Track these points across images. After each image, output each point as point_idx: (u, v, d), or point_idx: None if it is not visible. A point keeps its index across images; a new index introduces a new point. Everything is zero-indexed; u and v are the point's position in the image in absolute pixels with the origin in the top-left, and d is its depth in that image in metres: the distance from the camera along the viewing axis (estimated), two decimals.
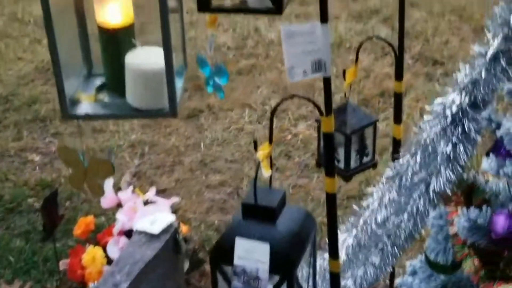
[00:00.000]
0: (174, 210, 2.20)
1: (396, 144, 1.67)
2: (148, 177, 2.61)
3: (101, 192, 1.42)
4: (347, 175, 1.61)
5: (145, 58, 1.22)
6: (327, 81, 1.21)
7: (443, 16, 3.66)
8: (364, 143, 1.65)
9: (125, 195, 2.05)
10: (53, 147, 2.81)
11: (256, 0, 1.51)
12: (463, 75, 1.14)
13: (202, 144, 2.78)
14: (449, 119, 1.15)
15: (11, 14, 4.30)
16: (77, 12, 1.31)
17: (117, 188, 2.09)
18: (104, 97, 1.29)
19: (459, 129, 1.14)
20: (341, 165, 1.63)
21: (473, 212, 1.12)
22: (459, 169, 1.17)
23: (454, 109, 1.14)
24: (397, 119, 1.63)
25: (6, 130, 2.94)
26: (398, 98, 1.61)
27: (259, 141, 2.82)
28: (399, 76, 1.59)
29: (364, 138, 1.65)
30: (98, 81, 1.34)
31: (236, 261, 1.05)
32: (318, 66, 1.17)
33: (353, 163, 1.64)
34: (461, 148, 1.15)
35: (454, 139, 1.15)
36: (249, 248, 1.04)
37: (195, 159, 2.70)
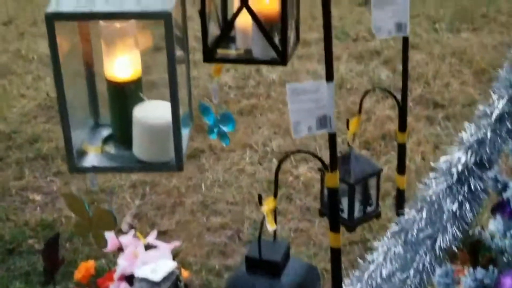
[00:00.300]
0: (175, 253, 2.19)
1: (400, 195, 1.68)
2: (149, 218, 2.60)
3: (104, 243, 1.42)
4: (351, 225, 1.62)
5: (153, 112, 1.23)
6: (332, 137, 1.22)
7: (443, 58, 3.70)
8: (368, 192, 1.66)
9: (126, 239, 2.05)
10: (55, 186, 2.81)
11: (260, 50, 1.54)
12: (468, 134, 1.14)
13: (203, 185, 2.78)
14: (455, 177, 1.15)
15: (15, 51, 4.34)
16: (86, 64, 1.32)
17: (118, 230, 2.08)
18: (111, 149, 1.29)
19: (465, 188, 1.14)
20: (345, 215, 1.63)
21: (480, 272, 1.12)
22: (466, 226, 1.17)
23: (460, 167, 1.14)
24: (401, 169, 1.64)
25: (8, 169, 2.94)
26: (402, 149, 1.62)
27: (260, 183, 2.82)
28: (402, 127, 1.60)
29: (368, 187, 1.66)
30: (105, 132, 1.35)
31: None
32: (323, 122, 1.19)
33: (356, 213, 1.64)
34: (468, 206, 1.15)
35: (460, 198, 1.15)
36: None
37: (196, 201, 2.70)
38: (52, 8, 1.08)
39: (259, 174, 2.84)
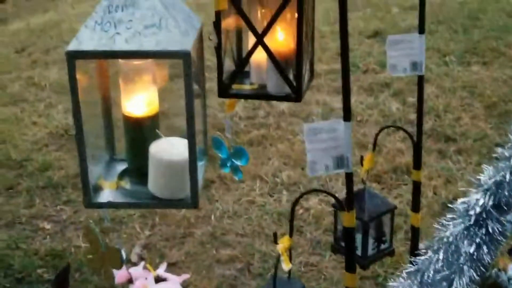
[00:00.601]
0: (185, 286, 2.18)
1: (415, 233, 1.66)
2: (158, 249, 2.59)
3: (111, 279, 1.41)
4: (364, 263, 1.60)
5: (169, 149, 1.23)
6: (349, 176, 1.21)
7: (454, 92, 3.70)
8: (382, 230, 1.65)
9: (136, 271, 2.04)
10: (65, 215, 2.81)
11: (275, 86, 1.55)
12: (487, 176, 1.14)
13: (213, 216, 2.77)
14: (473, 219, 1.14)
15: (28, 79, 4.39)
16: (103, 99, 1.33)
17: (127, 260, 2.08)
18: (126, 184, 1.29)
19: (483, 230, 1.14)
20: (358, 252, 1.62)
21: None
22: (483, 269, 1.15)
23: (478, 209, 1.14)
24: (415, 207, 1.63)
25: (18, 197, 2.94)
26: (416, 187, 1.62)
27: (270, 215, 2.81)
28: (417, 164, 1.59)
29: (382, 225, 1.65)
30: (120, 167, 1.35)
31: None
32: (340, 162, 1.18)
33: (370, 251, 1.63)
34: (485, 249, 1.14)
35: (478, 240, 1.14)
36: None
37: (205, 232, 2.69)
38: (73, 46, 1.09)
39: (269, 206, 2.83)
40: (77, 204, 2.87)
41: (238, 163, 1.56)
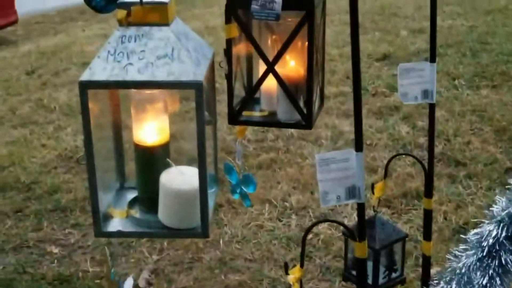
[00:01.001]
0: None
1: (426, 261, 1.65)
2: (166, 275, 2.57)
3: None
4: None
5: (180, 178, 1.23)
6: (361, 207, 1.20)
7: (463, 116, 3.69)
8: (393, 258, 1.63)
9: None
10: (72, 239, 2.80)
11: (285, 113, 1.55)
12: (500, 207, 1.12)
13: (221, 241, 2.76)
14: (485, 250, 1.13)
15: (37, 101, 4.41)
16: (114, 127, 1.33)
17: (135, 286, 2.06)
18: (136, 212, 1.29)
19: (496, 262, 1.12)
20: (369, 280, 1.60)
21: None
22: None
23: (491, 241, 1.12)
24: (427, 235, 1.62)
25: (26, 220, 2.94)
26: (428, 215, 1.60)
27: (279, 239, 2.79)
28: (428, 193, 1.58)
29: (393, 253, 1.63)
30: (130, 195, 1.35)
31: None
32: (352, 192, 1.17)
33: (381, 279, 1.61)
34: (498, 281, 1.12)
35: (491, 271, 1.12)
36: None
37: (214, 257, 2.67)
38: (86, 76, 1.10)
39: (278, 230, 2.81)
40: (85, 228, 2.87)
41: (246, 190, 1.56)
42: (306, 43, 1.41)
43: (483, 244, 1.15)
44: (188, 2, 8.63)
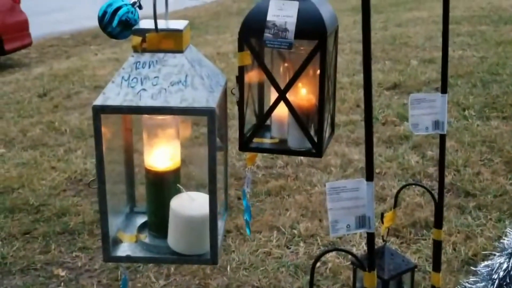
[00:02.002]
0: None
1: None
2: None
3: None
4: None
5: (190, 204, 1.23)
6: (370, 237, 1.20)
7: (473, 146, 3.68)
8: None
9: None
10: (79, 262, 2.80)
11: (296, 141, 1.55)
12: (510, 239, 1.12)
13: (228, 268, 2.74)
14: (496, 283, 1.12)
15: (48, 123, 4.44)
16: (125, 151, 1.34)
17: None
18: (145, 237, 1.29)
19: None
20: None
21: None
22: None
23: (501, 273, 1.11)
24: (437, 267, 1.60)
25: (34, 242, 2.94)
26: (437, 246, 1.59)
27: (287, 267, 2.76)
28: (438, 223, 1.57)
29: (402, 284, 1.61)
30: (140, 219, 1.35)
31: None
32: (362, 222, 1.17)
33: None
34: None
35: None
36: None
37: (221, 283, 2.65)
38: (100, 101, 1.11)
39: (286, 258, 2.79)
40: (93, 251, 2.86)
41: (246, 216, 1.56)
42: (318, 71, 1.42)
43: (493, 276, 1.14)
44: (201, 29, 8.73)
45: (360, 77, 5.20)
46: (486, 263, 1.17)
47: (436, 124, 1.46)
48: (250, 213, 1.50)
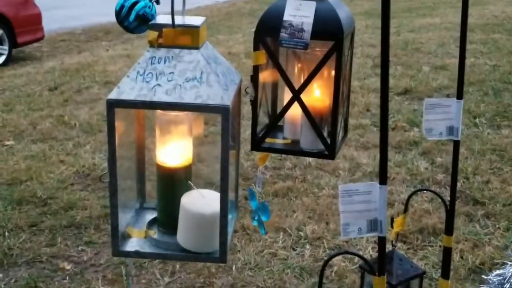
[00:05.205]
0: None
1: None
2: None
3: None
4: None
5: (201, 202, 1.22)
6: (381, 241, 1.19)
7: (483, 154, 3.66)
8: None
9: None
10: (85, 256, 2.80)
11: (308, 142, 1.54)
12: None
13: (234, 267, 2.73)
14: None
15: (58, 117, 4.45)
16: (137, 147, 1.34)
17: None
18: (154, 233, 1.28)
19: None
20: None
21: None
22: None
23: None
24: (445, 274, 1.59)
25: (40, 234, 2.94)
26: (447, 253, 1.58)
27: (292, 269, 2.74)
28: (449, 230, 1.56)
29: None
30: (149, 215, 1.35)
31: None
32: (374, 225, 1.16)
33: None
34: None
35: None
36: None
37: (226, 283, 2.65)
38: (114, 95, 1.10)
39: (292, 260, 2.78)
40: (98, 246, 2.86)
41: (261, 217, 1.55)
42: (333, 73, 1.41)
43: (505, 286, 1.13)
44: (213, 28, 8.73)
45: (370, 81, 5.18)
46: (497, 272, 1.16)
47: (451, 130, 1.45)
48: (269, 212, 1.48)
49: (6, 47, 7.10)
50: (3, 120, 4.51)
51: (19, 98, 5.13)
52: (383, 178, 1.14)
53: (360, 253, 2.76)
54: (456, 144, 1.50)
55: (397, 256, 1.60)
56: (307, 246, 2.86)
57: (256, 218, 1.58)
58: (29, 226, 3.01)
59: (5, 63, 7.02)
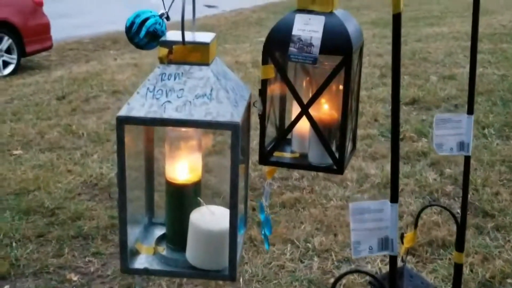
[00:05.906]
0: None
1: None
2: None
3: None
4: None
5: (210, 218, 1.21)
6: (393, 260, 1.17)
7: (493, 166, 3.64)
8: None
9: None
10: (92, 267, 2.79)
11: (317, 156, 1.53)
12: None
13: (241, 279, 2.72)
14: None
15: (66, 126, 4.46)
16: (146, 162, 1.33)
17: None
18: (163, 250, 1.27)
19: None
20: None
21: None
22: None
23: None
24: None
25: (48, 245, 2.94)
26: (458, 269, 1.56)
27: (300, 281, 2.73)
28: (460, 247, 1.54)
29: None
30: (158, 231, 1.34)
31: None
32: (385, 244, 1.15)
33: None
34: None
35: None
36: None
37: None
38: (124, 112, 1.10)
39: (299, 272, 2.76)
40: (106, 257, 2.85)
41: (265, 231, 1.54)
42: (341, 87, 1.41)
43: None
44: (220, 37, 8.74)
45: (378, 91, 5.17)
46: (508, 285, 1.14)
47: (461, 145, 1.43)
48: (270, 227, 1.48)
49: (14, 56, 7.14)
50: (11, 129, 4.53)
51: (27, 107, 5.15)
52: (394, 196, 1.13)
53: (369, 266, 2.74)
54: (467, 160, 1.49)
55: (408, 272, 1.59)
56: (315, 258, 2.84)
57: (262, 232, 1.57)
58: (37, 237, 3.01)
59: (13, 72, 7.05)
